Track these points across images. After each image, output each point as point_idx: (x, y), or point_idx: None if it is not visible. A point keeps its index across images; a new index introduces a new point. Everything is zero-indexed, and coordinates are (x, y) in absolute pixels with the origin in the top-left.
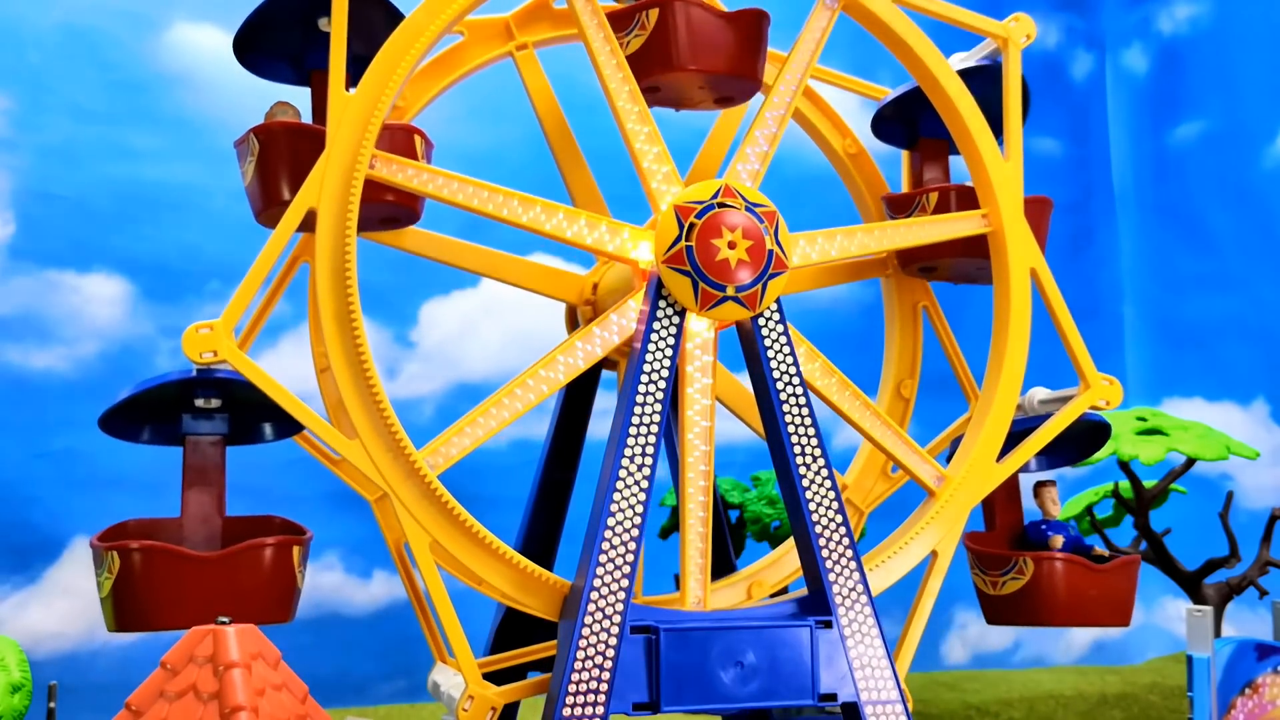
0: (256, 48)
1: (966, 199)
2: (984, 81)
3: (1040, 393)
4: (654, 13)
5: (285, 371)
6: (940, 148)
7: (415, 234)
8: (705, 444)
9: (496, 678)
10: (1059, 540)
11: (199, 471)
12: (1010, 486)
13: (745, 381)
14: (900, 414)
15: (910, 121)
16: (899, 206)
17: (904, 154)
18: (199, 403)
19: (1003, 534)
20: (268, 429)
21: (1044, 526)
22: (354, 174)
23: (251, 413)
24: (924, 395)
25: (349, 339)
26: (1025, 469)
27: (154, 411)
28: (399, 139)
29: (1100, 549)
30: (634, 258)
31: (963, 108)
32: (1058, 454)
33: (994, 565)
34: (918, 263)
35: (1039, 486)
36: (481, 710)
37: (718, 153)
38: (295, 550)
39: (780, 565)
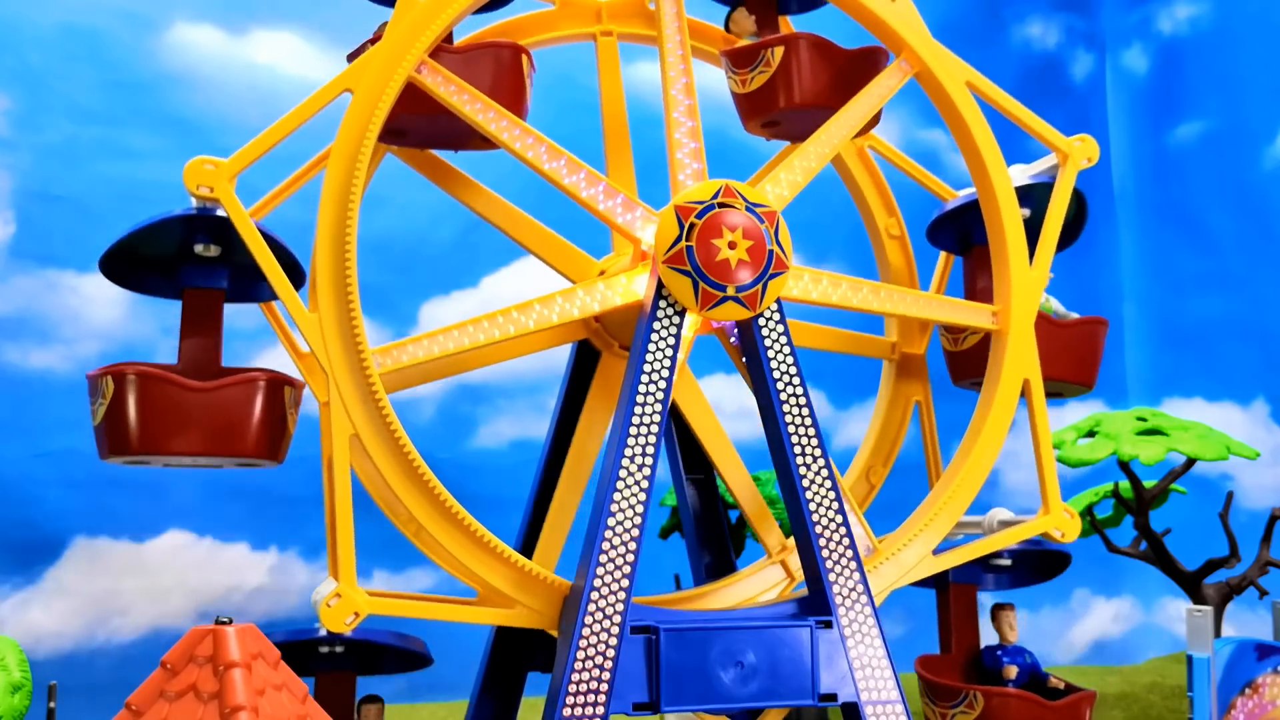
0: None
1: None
2: (1038, 194)
3: (1001, 514)
4: (779, 50)
5: (285, 365)
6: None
7: (458, 178)
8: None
9: (499, 680)
10: (1013, 671)
11: (196, 323)
12: (968, 608)
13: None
14: (864, 496)
15: (964, 227)
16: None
17: (943, 255)
18: (198, 249)
19: (958, 658)
20: (264, 288)
21: (999, 653)
22: (397, 71)
23: (251, 272)
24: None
25: (340, 218)
26: (983, 587)
27: (155, 263)
28: (506, 56)
29: (1056, 680)
30: (639, 236)
31: (1003, 204)
32: (1016, 577)
33: (944, 697)
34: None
35: (997, 609)
36: (345, 610)
37: (620, 140)
38: (286, 391)
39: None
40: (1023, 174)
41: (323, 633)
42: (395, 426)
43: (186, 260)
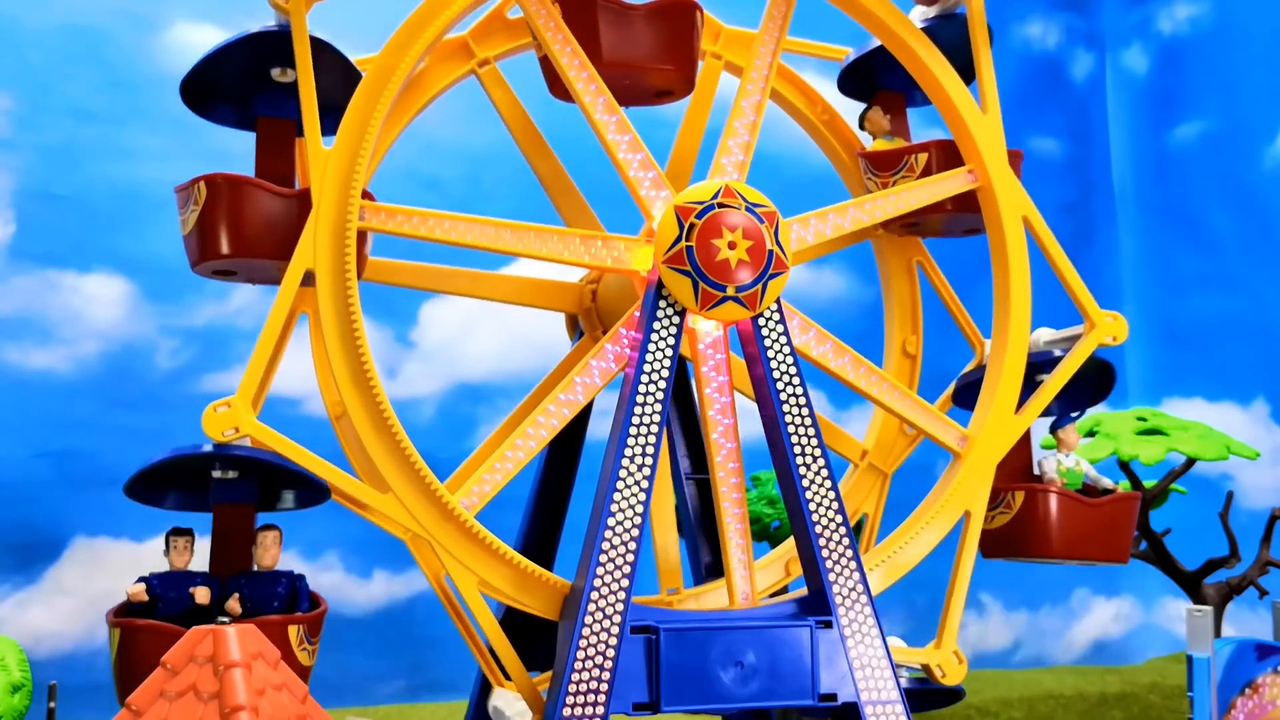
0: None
1: (950, 156)
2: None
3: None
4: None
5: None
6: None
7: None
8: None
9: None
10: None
11: (271, 154)
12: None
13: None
14: (909, 372)
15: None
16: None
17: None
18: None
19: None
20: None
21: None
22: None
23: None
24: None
25: (366, 394)
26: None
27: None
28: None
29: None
30: (634, 267)
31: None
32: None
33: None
34: (902, 222)
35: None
36: (225, 422)
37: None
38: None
39: None
40: (1047, 336)
41: (208, 447)
42: (510, 555)
43: (260, 88)
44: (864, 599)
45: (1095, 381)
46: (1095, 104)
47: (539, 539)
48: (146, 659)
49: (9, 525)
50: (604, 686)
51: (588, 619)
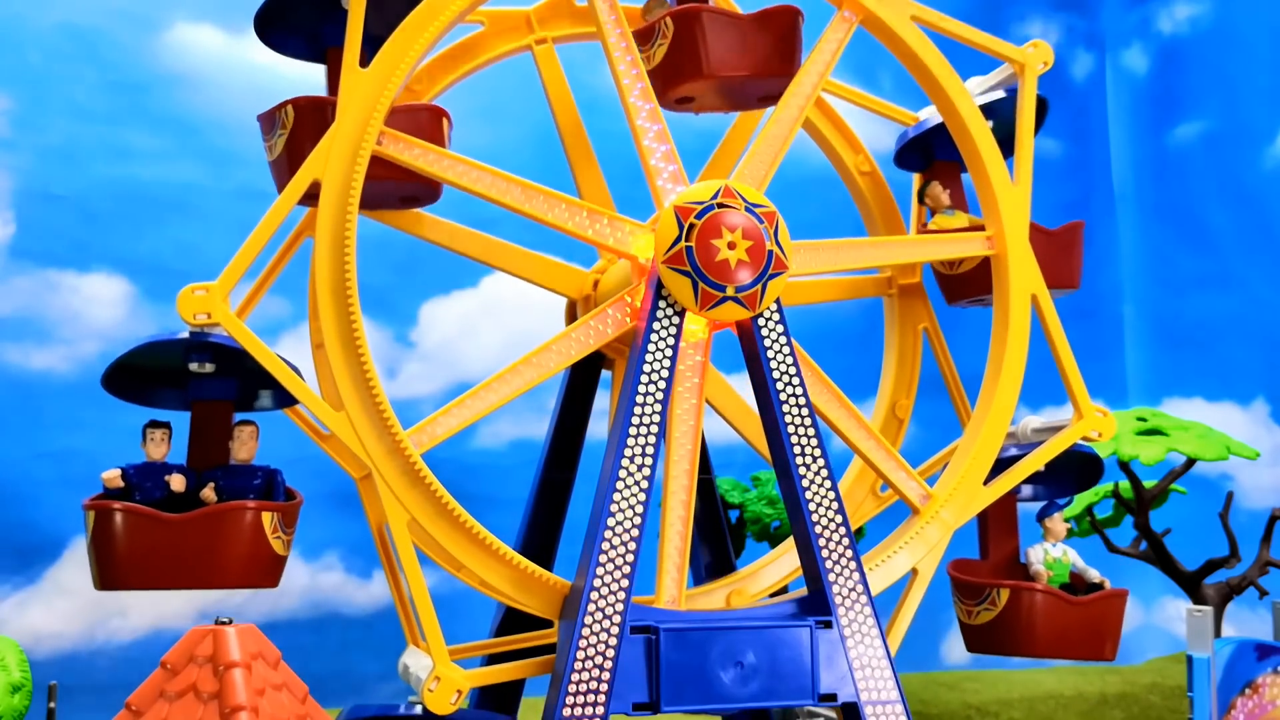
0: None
1: None
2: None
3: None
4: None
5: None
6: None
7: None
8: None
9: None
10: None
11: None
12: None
13: (740, 389)
14: (894, 434)
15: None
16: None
17: (915, 176)
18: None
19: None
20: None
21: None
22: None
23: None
24: (926, 415)
25: (343, 314)
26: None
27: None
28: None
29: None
30: (634, 252)
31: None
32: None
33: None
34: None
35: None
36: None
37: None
38: (267, 517)
39: (760, 576)
40: (980, 85)
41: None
42: (448, 500)
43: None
44: (864, 599)
45: (1082, 471)
46: (1095, 104)
47: (539, 539)
48: (119, 540)
49: (9, 525)
50: (604, 686)
51: (588, 619)
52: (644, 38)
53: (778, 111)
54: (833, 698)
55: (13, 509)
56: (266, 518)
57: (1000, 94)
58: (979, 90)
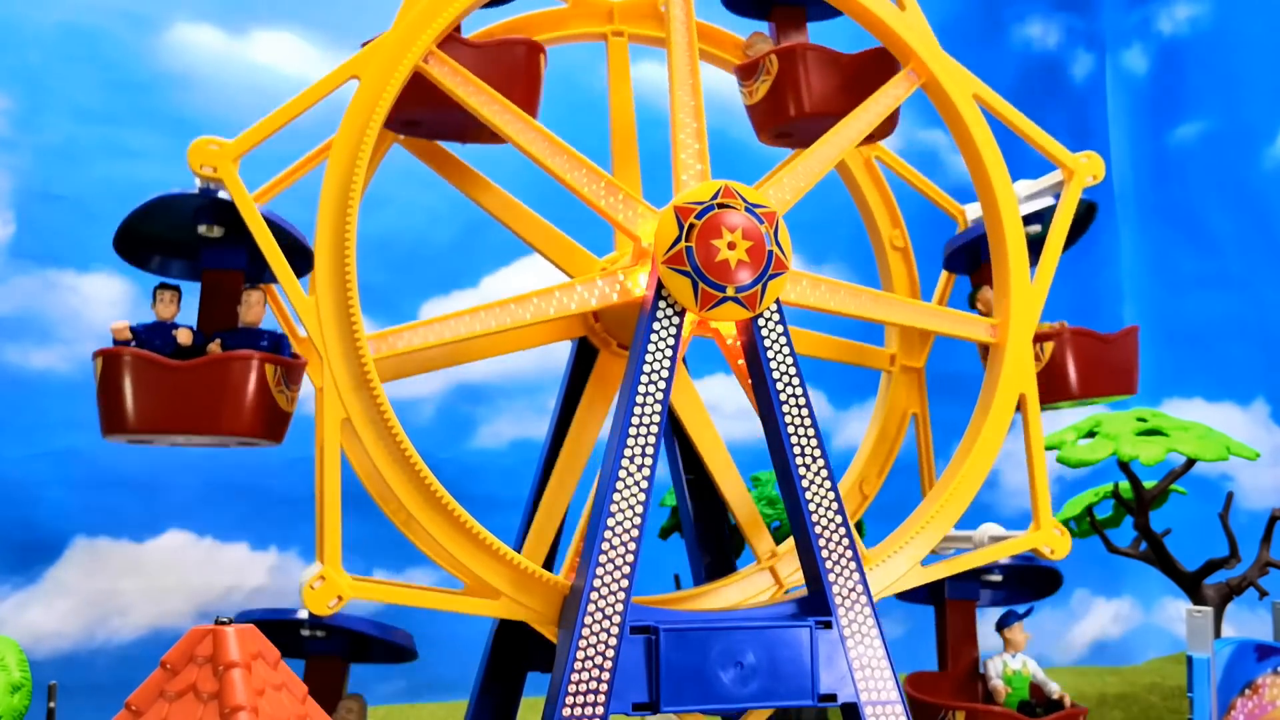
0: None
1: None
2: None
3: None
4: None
5: None
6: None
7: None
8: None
9: (499, 679)
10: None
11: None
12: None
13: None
14: (855, 506)
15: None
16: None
17: (945, 273)
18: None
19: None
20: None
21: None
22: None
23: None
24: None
25: (341, 206)
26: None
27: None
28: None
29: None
30: (638, 233)
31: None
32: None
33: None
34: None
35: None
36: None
37: None
38: (270, 369)
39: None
40: (1027, 189)
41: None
42: (388, 412)
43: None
44: (864, 599)
45: (1040, 580)
46: (1095, 104)
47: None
48: (125, 386)
49: (9, 525)
50: (604, 687)
51: (587, 619)
52: (748, 73)
53: (816, 146)
54: (832, 698)
55: (12, 508)
56: (270, 369)
57: (1049, 201)
58: (1026, 194)
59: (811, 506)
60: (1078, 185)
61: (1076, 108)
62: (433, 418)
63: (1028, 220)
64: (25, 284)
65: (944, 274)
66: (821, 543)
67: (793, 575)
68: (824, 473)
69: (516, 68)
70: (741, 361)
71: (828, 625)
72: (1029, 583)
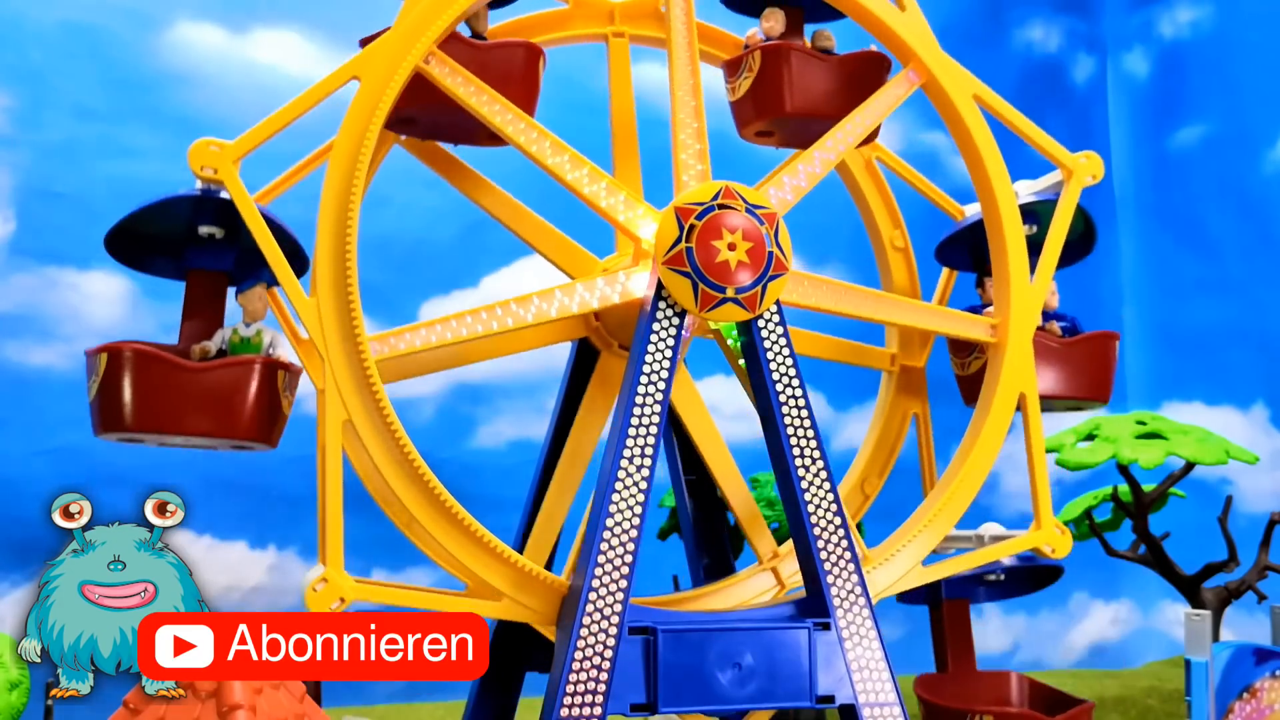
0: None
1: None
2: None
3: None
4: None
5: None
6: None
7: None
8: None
9: (497, 680)
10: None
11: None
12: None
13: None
14: (857, 507)
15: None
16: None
17: (947, 270)
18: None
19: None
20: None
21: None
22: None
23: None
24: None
25: (342, 205)
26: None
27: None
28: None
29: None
30: (639, 234)
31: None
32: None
33: None
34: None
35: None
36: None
37: None
38: (280, 375)
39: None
40: (1027, 189)
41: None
42: (389, 413)
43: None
44: (862, 601)
45: (1041, 579)
46: (1096, 108)
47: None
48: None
49: (9, 523)
50: (602, 687)
51: (586, 619)
52: (732, 69)
53: (814, 148)
54: (830, 699)
55: (11, 506)
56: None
57: (1048, 197)
58: (1026, 193)
59: (810, 508)
60: (1077, 185)
61: (1077, 111)
62: (432, 418)
63: (1024, 216)
64: (25, 282)
65: (944, 274)
66: (820, 544)
67: (794, 575)
68: (823, 474)
69: (514, 69)
70: (742, 362)
71: (826, 626)
72: (1029, 581)
